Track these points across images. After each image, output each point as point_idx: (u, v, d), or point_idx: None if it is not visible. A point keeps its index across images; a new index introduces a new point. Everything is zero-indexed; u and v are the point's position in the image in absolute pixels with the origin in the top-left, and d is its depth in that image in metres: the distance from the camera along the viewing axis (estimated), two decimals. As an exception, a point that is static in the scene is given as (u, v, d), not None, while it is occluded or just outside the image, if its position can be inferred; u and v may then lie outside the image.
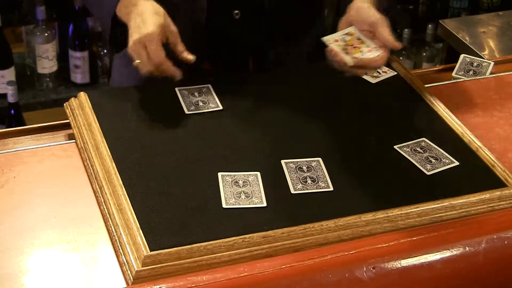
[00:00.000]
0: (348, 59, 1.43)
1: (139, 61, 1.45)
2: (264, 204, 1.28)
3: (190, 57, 1.48)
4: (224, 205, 1.28)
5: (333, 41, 1.47)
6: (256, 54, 1.66)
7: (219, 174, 1.33)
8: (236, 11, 1.60)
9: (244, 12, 1.60)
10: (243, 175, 1.34)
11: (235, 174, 1.34)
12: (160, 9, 1.47)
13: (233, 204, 1.28)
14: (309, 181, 1.33)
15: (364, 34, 1.48)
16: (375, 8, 1.50)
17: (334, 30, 1.52)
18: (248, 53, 1.65)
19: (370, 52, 1.46)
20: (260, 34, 1.63)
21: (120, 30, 1.53)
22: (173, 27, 1.48)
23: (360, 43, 1.47)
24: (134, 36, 1.44)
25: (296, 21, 1.68)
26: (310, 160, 1.38)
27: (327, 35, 1.49)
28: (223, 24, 1.61)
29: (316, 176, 1.34)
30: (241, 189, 1.31)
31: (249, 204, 1.28)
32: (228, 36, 1.61)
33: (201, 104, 1.51)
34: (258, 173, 1.34)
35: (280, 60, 1.67)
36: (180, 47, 1.48)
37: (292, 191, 1.31)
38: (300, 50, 1.70)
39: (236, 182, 1.32)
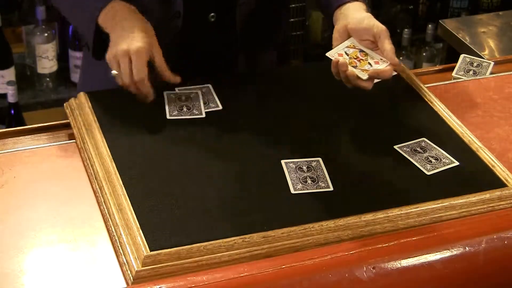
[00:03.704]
0: (361, 73, 1.41)
1: (116, 72, 1.43)
2: None
3: (176, 78, 1.47)
4: None
5: (337, 56, 1.45)
6: (226, 58, 1.64)
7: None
8: (212, 14, 1.59)
9: (219, 15, 1.59)
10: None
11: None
12: (149, 27, 1.46)
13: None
14: (309, 181, 1.33)
15: (364, 45, 1.46)
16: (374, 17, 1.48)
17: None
18: (219, 56, 1.63)
19: (378, 64, 1.43)
20: (232, 37, 1.61)
21: (101, 36, 1.49)
22: (159, 48, 1.45)
23: (364, 55, 1.45)
24: (121, 45, 1.42)
25: (265, 21, 1.66)
26: (310, 160, 1.38)
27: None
28: (198, 29, 1.59)
29: (316, 176, 1.34)
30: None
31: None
32: (202, 40, 1.59)
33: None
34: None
35: (250, 62, 1.66)
36: (165, 68, 1.46)
37: (292, 191, 1.31)
38: (270, 51, 1.69)
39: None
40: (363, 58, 1.45)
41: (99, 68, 1.53)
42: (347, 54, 1.45)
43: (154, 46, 1.45)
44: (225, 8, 1.59)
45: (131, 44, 1.41)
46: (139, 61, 1.41)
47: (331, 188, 1.32)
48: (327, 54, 1.47)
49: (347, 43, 1.47)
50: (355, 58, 1.44)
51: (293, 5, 2.91)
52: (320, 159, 1.38)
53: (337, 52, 1.46)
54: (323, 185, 1.33)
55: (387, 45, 1.43)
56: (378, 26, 1.45)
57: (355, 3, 1.50)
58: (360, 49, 1.46)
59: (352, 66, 1.43)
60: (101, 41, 1.49)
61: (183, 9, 1.55)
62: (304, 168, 1.36)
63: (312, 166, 1.36)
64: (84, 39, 1.56)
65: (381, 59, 1.45)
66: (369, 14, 1.48)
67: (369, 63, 1.44)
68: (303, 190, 1.32)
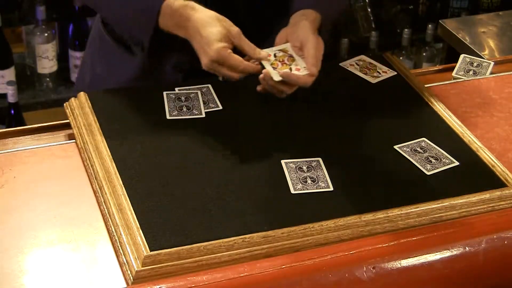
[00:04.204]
0: (274, 74, 1.42)
1: (223, 76, 1.45)
2: None
3: (263, 53, 1.45)
4: None
5: (266, 55, 1.46)
6: None
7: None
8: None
9: (223, 13, 1.59)
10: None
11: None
12: (214, 17, 1.44)
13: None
14: (309, 181, 1.33)
15: (296, 51, 1.46)
16: (316, 27, 1.47)
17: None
18: None
19: (298, 71, 1.43)
20: None
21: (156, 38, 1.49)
22: (234, 28, 1.44)
23: (291, 60, 1.44)
24: (203, 59, 1.42)
25: (268, 20, 1.65)
26: (310, 160, 1.38)
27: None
28: None
29: (316, 176, 1.34)
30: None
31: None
32: None
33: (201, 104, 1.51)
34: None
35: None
36: (248, 46, 1.45)
37: (292, 191, 1.32)
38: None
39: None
40: (287, 63, 1.45)
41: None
42: (275, 56, 1.46)
43: (228, 32, 1.43)
44: (229, 5, 1.59)
45: (209, 51, 1.41)
46: (227, 60, 1.41)
47: (331, 188, 1.32)
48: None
49: (281, 46, 1.48)
50: (280, 61, 1.45)
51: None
52: (320, 159, 1.38)
53: (267, 52, 1.47)
54: (323, 185, 1.33)
55: (309, 53, 1.43)
56: (306, 35, 1.45)
57: (304, 10, 1.50)
58: (290, 54, 1.47)
59: (273, 67, 1.44)
60: (156, 42, 1.51)
61: None
62: (304, 168, 1.36)
63: (312, 166, 1.36)
64: (135, 41, 1.57)
65: (305, 68, 1.43)
66: (306, 23, 1.47)
67: (290, 68, 1.44)
68: (303, 190, 1.32)
